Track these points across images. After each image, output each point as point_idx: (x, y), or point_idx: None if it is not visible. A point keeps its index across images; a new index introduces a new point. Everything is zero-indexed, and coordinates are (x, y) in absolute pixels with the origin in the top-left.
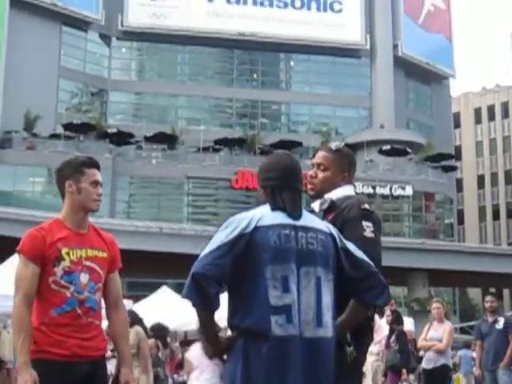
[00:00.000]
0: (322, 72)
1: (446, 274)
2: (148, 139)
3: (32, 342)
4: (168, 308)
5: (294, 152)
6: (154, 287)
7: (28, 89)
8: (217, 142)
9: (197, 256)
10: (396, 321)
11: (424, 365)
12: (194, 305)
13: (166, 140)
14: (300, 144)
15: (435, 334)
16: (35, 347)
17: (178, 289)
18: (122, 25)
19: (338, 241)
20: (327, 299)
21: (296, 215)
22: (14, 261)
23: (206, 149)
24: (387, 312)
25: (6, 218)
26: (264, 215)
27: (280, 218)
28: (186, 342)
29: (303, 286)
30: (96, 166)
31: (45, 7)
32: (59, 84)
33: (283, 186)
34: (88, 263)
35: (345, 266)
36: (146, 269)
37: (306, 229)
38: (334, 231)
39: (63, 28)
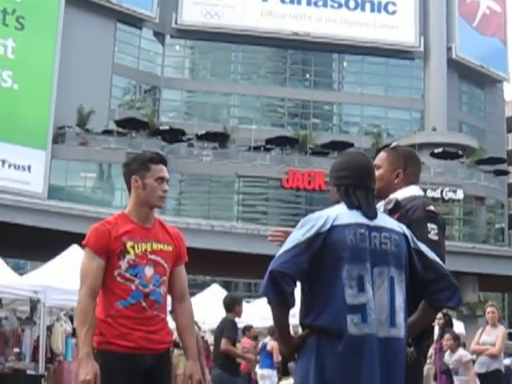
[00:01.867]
0: (375, 73)
1: (496, 279)
2: (199, 137)
3: (98, 334)
4: (218, 305)
5: None
6: (204, 285)
7: (81, 84)
8: (268, 141)
9: (247, 254)
10: (448, 324)
11: (477, 369)
12: (269, 302)
13: (218, 138)
14: (351, 145)
15: (488, 339)
16: (101, 338)
17: (226, 287)
18: (176, 23)
19: (410, 241)
20: (400, 299)
21: (371, 214)
22: (67, 255)
23: (257, 148)
24: (439, 315)
25: (58, 212)
26: (340, 214)
27: (355, 217)
28: None
29: (377, 285)
30: (163, 162)
31: (100, 4)
32: (112, 80)
33: (357, 185)
34: (153, 257)
35: (417, 266)
36: (196, 266)
37: (379, 228)
38: (407, 232)
39: (118, 25)
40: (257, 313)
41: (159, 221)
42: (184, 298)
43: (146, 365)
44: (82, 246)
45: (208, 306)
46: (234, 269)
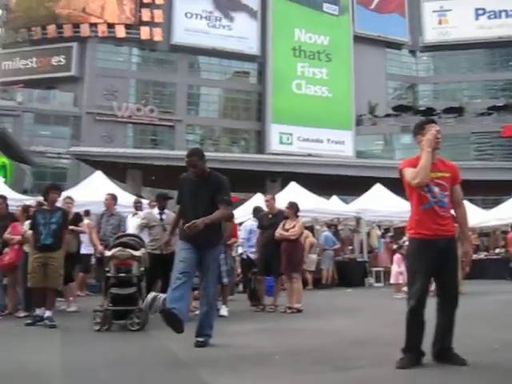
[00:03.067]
0: None
1: None
2: (445, 111)
3: (411, 228)
4: None
5: None
6: None
7: (369, 89)
8: (489, 108)
9: (481, 181)
10: None
11: None
12: None
13: (456, 111)
14: None
15: None
16: (413, 230)
17: (470, 201)
18: (422, 42)
19: None
20: None
21: None
22: (373, 190)
23: (482, 114)
24: None
25: (363, 166)
26: None
27: None
28: None
29: None
30: (431, 121)
31: (374, 38)
32: (387, 84)
33: None
34: (437, 180)
35: None
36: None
37: None
38: None
39: (386, 49)
40: (492, 216)
41: (440, 159)
42: (460, 204)
43: (441, 246)
44: (400, 171)
45: None
46: (472, 191)
